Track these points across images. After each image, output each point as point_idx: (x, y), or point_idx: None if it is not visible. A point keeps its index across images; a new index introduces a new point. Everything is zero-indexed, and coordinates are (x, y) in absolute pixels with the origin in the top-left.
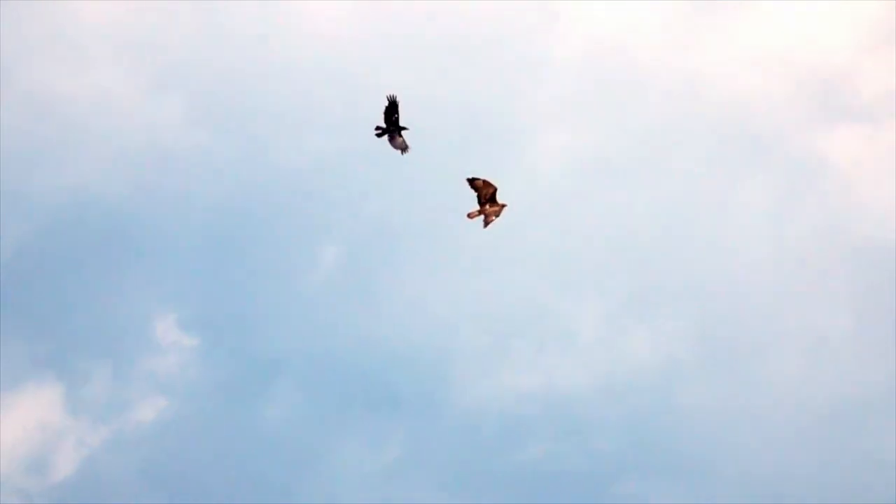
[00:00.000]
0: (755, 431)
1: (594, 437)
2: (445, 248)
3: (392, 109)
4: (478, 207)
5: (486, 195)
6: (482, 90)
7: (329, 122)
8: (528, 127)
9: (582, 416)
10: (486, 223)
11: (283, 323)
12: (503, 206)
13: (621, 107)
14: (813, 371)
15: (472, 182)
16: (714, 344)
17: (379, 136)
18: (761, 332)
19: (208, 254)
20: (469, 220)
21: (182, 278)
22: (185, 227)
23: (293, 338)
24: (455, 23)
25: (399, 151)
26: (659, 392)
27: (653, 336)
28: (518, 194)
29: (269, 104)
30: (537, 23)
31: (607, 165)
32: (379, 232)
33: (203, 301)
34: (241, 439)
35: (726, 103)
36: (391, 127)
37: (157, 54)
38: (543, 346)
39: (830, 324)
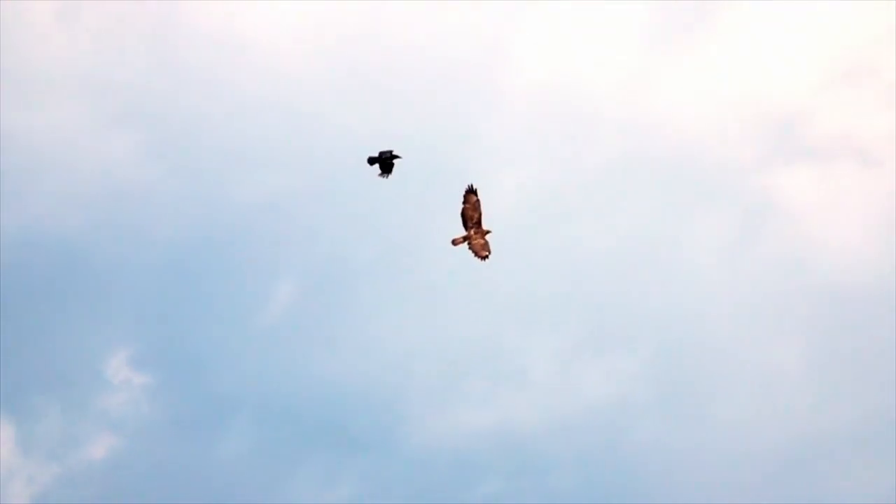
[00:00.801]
0: (709, 470)
1: (548, 475)
2: (399, 286)
3: (390, 152)
4: (463, 233)
5: (472, 219)
6: (436, 127)
7: (284, 159)
8: (481, 164)
9: (536, 454)
10: (482, 257)
11: (236, 360)
12: (488, 231)
13: (575, 144)
14: (768, 410)
15: (469, 196)
16: (668, 382)
17: (371, 163)
18: (716, 370)
19: (161, 290)
20: (453, 246)
21: (134, 315)
22: (137, 264)
23: (246, 375)
24: (408, 60)
25: (380, 174)
26: (613, 430)
27: (607, 374)
28: None
29: (225, 141)
30: (490, 60)
31: (561, 203)
32: (333, 269)
33: (155, 338)
34: (194, 478)
35: (680, 141)
36: (384, 155)
37: (113, 91)
38: (497, 384)
39: (785, 363)
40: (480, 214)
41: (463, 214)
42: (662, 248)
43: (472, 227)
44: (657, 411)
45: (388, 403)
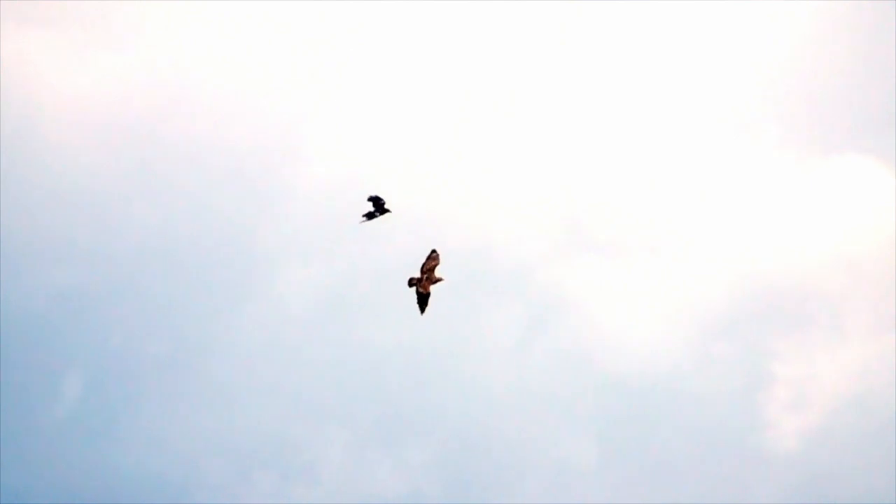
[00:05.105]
0: None
1: None
2: (188, 382)
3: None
4: (418, 275)
5: (429, 267)
6: (228, 222)
7: (73, 255)
8: (272, 258)
9: None
10: (432, 281)
11: (23, 455)
12: (440, 279)
13: (364, 241)
14: (558, 501)
15: (433, 254)
16: (459, 474)
17: (367, 218)
18: (506, 462)
19: None
20: (408, 287)
21: None
22: None
23: (34, 470)
24: (200, 156)
25: (364, 218)
26: None
27: (397, 466)
28: (261, 325)
29: (12, 236)
30: (281, 157)
31: (350, 298)
32: (122, 364)
33: None
34: None
35: (469, 237)
36: (377, 209)
37: None
38: (287, 478)
39: (576, 454)
40: (436, 266)
41: (425, 263)
42: (453, 341)
43: (426, 272)
44: (448, 503)
45: (176, 499)
